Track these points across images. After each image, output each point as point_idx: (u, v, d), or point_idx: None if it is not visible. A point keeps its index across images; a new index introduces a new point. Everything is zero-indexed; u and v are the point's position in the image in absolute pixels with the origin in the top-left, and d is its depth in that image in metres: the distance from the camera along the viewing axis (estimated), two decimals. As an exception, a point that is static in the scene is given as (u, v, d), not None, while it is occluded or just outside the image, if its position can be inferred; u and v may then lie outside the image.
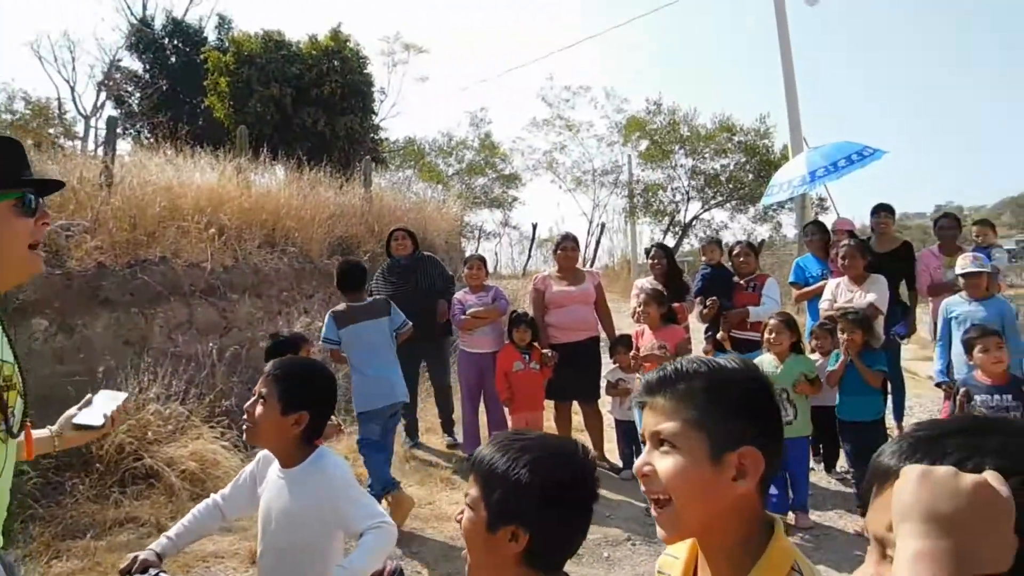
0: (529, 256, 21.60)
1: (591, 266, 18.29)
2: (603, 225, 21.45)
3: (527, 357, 5.58)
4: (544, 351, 5.61)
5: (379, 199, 10.79)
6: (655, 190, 21.30)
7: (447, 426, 6.51)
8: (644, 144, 21.23)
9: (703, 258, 6.45)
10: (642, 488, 1.21)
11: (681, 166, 20.84)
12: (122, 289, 5.79)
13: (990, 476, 0.69)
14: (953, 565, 0.65)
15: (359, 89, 14.97)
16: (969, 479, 0.69)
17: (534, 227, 21.72)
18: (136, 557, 2.09)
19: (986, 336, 4.20)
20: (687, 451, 1.15)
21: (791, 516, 4.75)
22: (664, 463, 1.17)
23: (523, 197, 25.72)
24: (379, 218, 9.70)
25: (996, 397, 4.09)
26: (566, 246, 5.98)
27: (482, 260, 6.25)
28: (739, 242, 6.48)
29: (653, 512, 1.21)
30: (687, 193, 21.01)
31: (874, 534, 0.77)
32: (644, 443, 1.24)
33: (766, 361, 4.91)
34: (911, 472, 0.72)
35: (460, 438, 6.27)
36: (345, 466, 2.34)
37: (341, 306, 5.13)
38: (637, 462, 1.23)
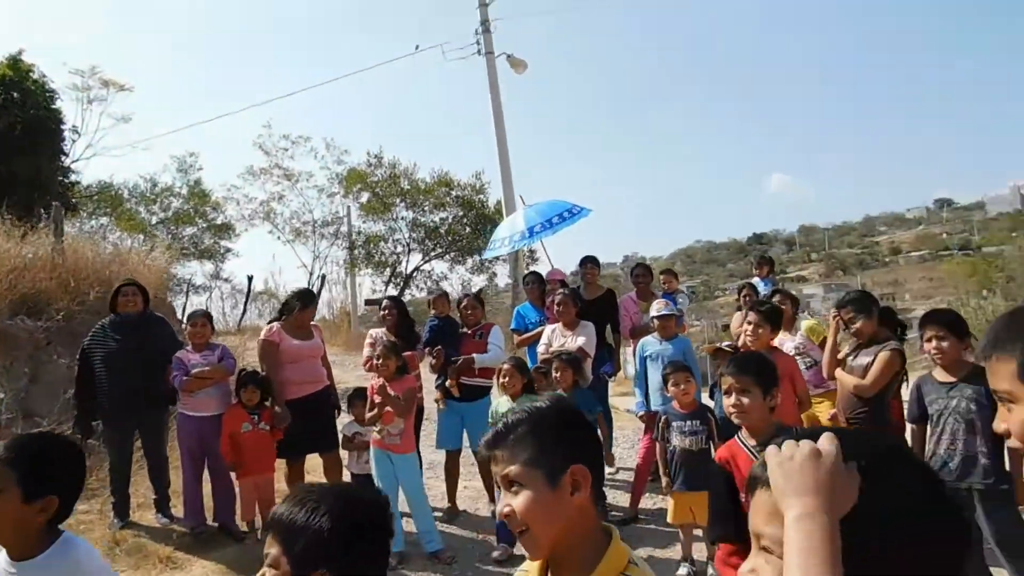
0: (244, 311, 20.41)
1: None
2: (324, 277, 21.03)
3: (256, 417, 5.32)
4: (276, 410, 5.42)
5: (72, 250, 9.61)
6: (376, 241, 21.50)
7: (161, 503, 5.87)
8: (365, 196, 21.41)
9: (432, 311, 6.65)
10: (509, 525, 1.43)
11: (402, 218, 21.34)
12: None
13: (824, 437, 0.96)
14: (824, 516, 0.89)
15: (45, 126, 13.27)
16: (807, 444, 0.95)
17: (250, 280, 20.58)
18: None
19: (678, 371, 4.84)
20: (531, 486, 1.40)
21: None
22: (517, 501, 1.40)
23: (237, 248, 24.36)
24: (74, 272, 8.62)
25: (688, 423, 4.72)
26: (315, 304, 6.14)
27: (207, 316, 5.85)
28: (466, 295, 6.82)
29: (519, 541, 1.44)
30: (408, 245, 21.52)
31: (752, 531, 0.96)
32: (499, 487, 1.47)
33: (502, 403, 5.18)
34: (772, 458, 0.97)
35: (179, 514, 5.73)
36: (97, 554, 2.07)
37: None
38: (499, 506, 1.46)
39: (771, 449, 0.99)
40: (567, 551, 1.42)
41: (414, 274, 21.92)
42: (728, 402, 3.06)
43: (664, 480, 4.81)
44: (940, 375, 3.96)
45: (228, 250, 24.24)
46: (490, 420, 5.25)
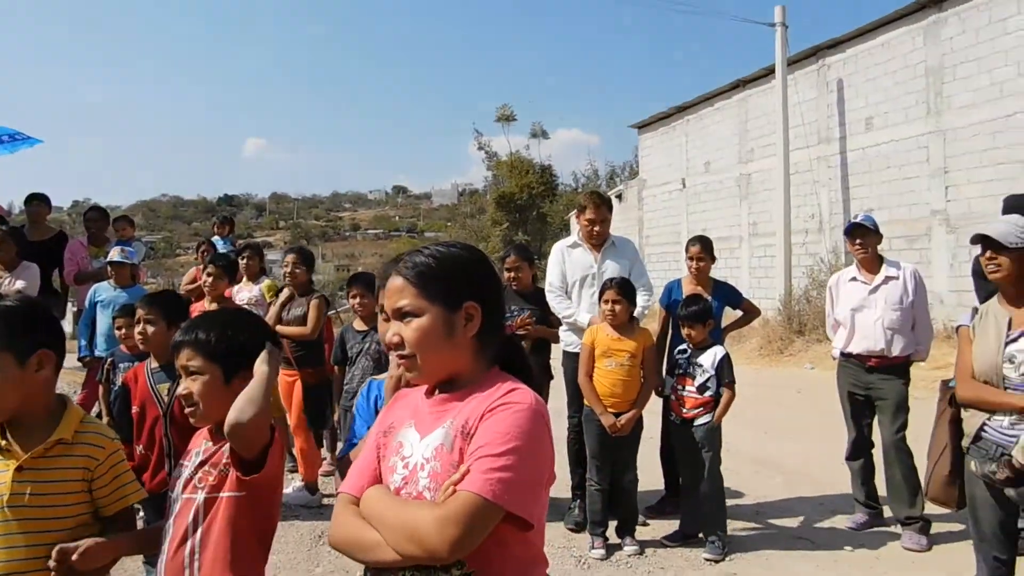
0: None
1: None
2: None
3: None
4: None
5: None
6: None
7: None
8: None
9: None
10: None
11: None
12: None
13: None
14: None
15: None
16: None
17: None
18: None
19: (126, 315, 4.94)
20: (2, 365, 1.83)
21: None
22: None
23: None
24: None
25: (136, 363, 4.90)
26: None
27: None
28: None
29: None
30: None
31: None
32: None
33: None
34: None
35: None
36: None
37: None
38: None
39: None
40: (27, 418, 1.85)
41: None
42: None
43: (107, 419, 4.90)
44: (358, 325, 4.99)
45: None
46: None
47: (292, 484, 5.37)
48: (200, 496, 1.81)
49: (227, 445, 1.82)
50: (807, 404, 8.54)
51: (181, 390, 1.89)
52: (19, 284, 5.70)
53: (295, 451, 5.57)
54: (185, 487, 1.85)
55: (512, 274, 5.03)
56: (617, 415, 4.31)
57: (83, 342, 5.92)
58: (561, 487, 5.22)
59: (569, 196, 28.82)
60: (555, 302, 4.91)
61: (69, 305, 7.65)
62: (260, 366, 1.80)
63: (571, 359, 4.77)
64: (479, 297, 1.44)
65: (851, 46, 13.45)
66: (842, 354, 4.71)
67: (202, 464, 1.86)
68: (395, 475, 1.41)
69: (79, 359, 6.06)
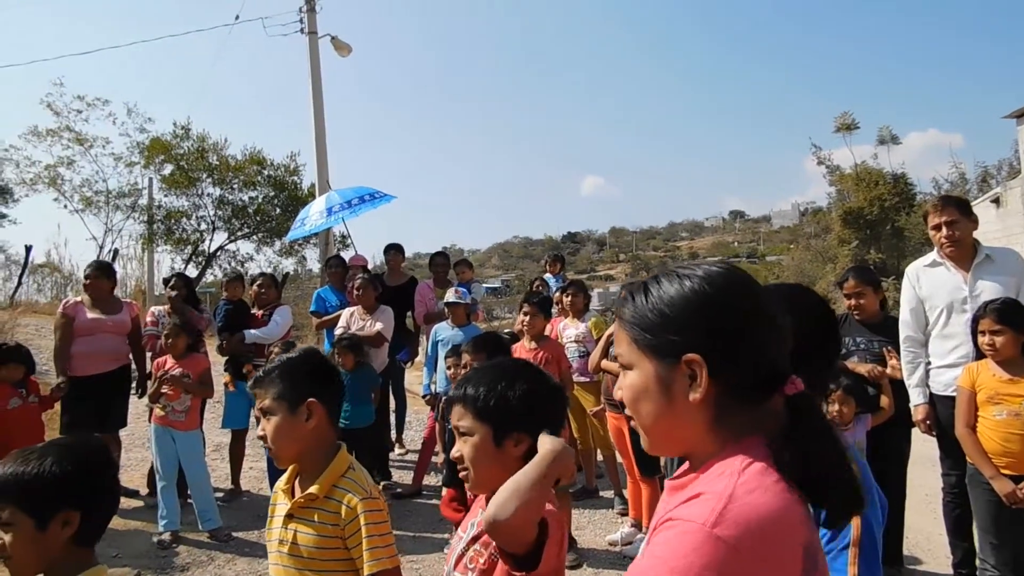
0: (19, 284, 18.07)
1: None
2: (116, 251, 19.34)
3: (24, 391, 5.04)
4: (59, 384, 5.35)
5: None
6: (178, 217, 20.29)
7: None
8: (168, 168, 20.10)
9: (225, 294, 6.55)
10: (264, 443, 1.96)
11: (208, 195, 20.30)
12: None
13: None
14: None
15: None
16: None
17: (28, 249, 18.21)
18: None
19: (454, 355, 5.13)
20: (279, 414, 1.93)
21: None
22: (268, 427, 1.95)
23: (14, 215, 21.89)
24: None
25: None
26: (94, 275, 5.76)
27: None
28: (261, 274, 6.80)
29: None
30: (213, 223, 20.51)
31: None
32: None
33: None
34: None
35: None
36: None
37: None
38: (258, 431, 1.98)
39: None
40: (309, 461, 1.97)
41: (218, 253, 20.97)
42: None
43: (443, 456, 5.12)
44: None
45: (2, 216, 21.84)
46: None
47: (621, 530, 5.11)
48: None
49: None
50: None
51: (454, 452, 1.67)
52: (378, 326, 6.30)
53: (627, 493, 5.33)
54: (456, 563, 1.62)
55: (853, 301, 4.26)
56: (1015, 479, 3.31)
57: (426, 380, 6.35)
58: (940, 560, 4.27)
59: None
60: (904, 355, 4.06)
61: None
62: (544, 444, 1.46)
63: (945, 404, 3.84)
64: (711, 347, 1.00)
65: None
66: None
67: (474, 540, 1.61)
68: None
69: (422, 396, 6.52)
